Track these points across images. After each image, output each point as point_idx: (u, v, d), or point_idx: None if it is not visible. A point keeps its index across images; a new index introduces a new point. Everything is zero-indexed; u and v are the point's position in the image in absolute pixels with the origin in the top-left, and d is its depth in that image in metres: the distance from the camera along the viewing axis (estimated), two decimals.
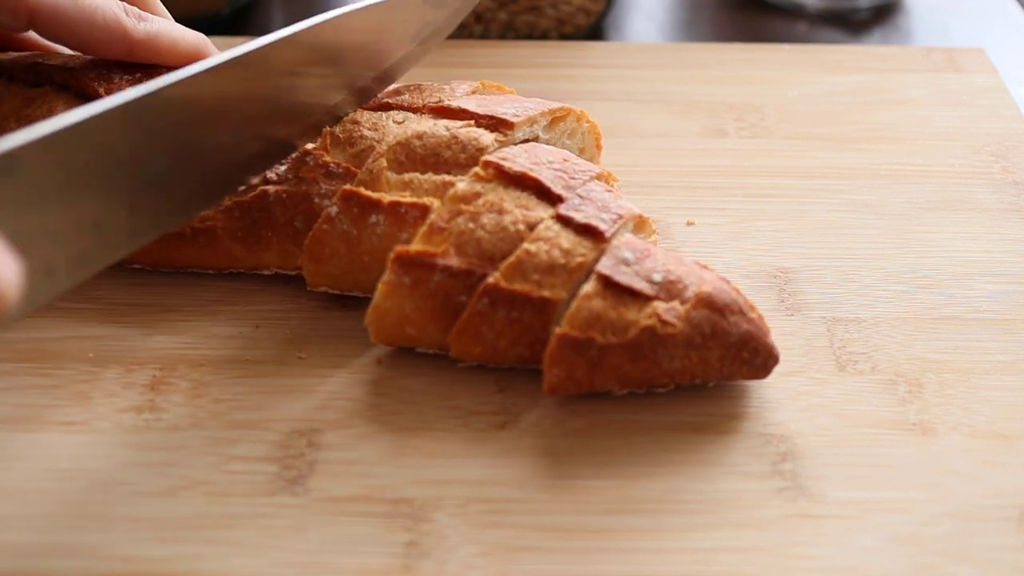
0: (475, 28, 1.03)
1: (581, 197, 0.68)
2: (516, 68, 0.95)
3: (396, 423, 0.65)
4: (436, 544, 0.59)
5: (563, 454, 0.64)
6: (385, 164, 0.71)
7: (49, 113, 0.75)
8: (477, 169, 0.69)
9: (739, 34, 1.07)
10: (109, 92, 0.74)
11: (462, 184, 0.69)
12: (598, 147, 0.80)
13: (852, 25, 1.09)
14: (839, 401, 0.67)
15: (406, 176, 0.71)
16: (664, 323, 0.64)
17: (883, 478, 0.63)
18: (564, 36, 1.04)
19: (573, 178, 0.70)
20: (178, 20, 0.83)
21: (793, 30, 1.08)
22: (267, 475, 0.62)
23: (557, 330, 0.64)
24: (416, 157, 0.71)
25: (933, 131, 0.90)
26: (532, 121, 0.75)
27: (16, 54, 0.79)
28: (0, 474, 0.62)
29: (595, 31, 1.05)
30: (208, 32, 0.81)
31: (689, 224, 0.80)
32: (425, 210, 0.69)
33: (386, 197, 0.69)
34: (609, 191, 0.70)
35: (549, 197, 0.68)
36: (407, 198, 0.70)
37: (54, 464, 0.62)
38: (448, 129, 0.72)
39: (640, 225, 0.71)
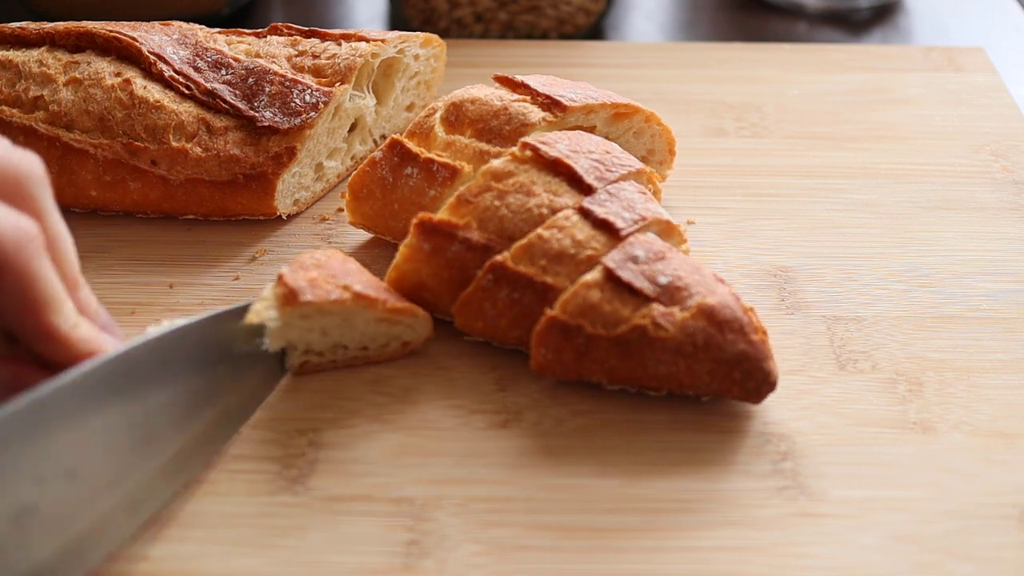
0: (475, 28, 1.03)
1: (609, 194, 0.68)
2: (516, 68, 0.95)
3: (397, 422, 0.65)
4: (437, 543, 0.59)
5: (563, 453, 0.64)
6: (438, 121, 0.74)
7: (96, 75, 0.78)
8: (514, 149, 0.70)
9: (739, 34, 1.07)
10: (152, 52, 0.78)
11: (497, 161, 0.69)
12: (671, 152, 0.80)
13: (852, 25, 1.09)
14: (839, 400, 0.67)
15: (451, 137, 0.74)
16: (657, 326, 0.63)
17: (883, 476, 0.63)
18: (564, 36, 1.04)
19: (609, 170, 0.69)
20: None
21: (793, 30, 1.08)
22: (268, 474, 0.62)
23: (548, 311, 0.64)
24: (465, 120, 0.74)
25: (933, 130, 0.90)
26: (589, 110, 0.75)
27: (54, 23, 0.82)
28: None
29: (595, 31, 1.05)
30: None
31: (689, 223, 0.80)
32: (455, 172, 0.71)
33: (424, 153, 0.72)
34: (643, 192, 0.69)
35: (581, 186, 0.68)
36: (442, 158, 0.72)
37: None
38: (502, 100, 0.74)
39: (668, 232, 0.70)
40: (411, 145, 0.73)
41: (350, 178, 0.75)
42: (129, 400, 0.58)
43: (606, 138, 0.79)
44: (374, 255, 0.77)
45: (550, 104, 0.74)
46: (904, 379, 0.68)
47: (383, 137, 0.86)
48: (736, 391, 0.64)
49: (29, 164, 0.57)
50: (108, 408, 0.57)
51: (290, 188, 0.79)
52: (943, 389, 0.68)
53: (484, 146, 0.72)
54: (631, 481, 0.62)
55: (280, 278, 0.65)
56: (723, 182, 0.84)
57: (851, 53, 1.00)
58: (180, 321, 0.62)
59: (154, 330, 0.61)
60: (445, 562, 0.58)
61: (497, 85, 0.77)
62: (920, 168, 0.86)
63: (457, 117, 0.74)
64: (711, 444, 0.64)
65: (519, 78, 0.76)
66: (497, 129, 0.73)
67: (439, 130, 0.74)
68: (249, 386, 0.65)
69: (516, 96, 0.75)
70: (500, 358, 0.69)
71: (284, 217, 0.80)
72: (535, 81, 0.76)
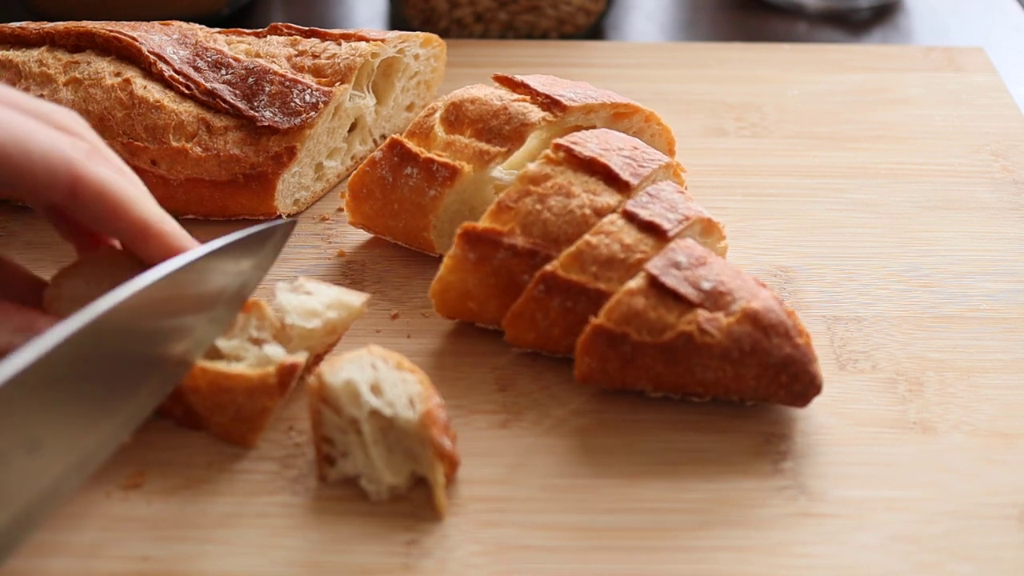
0: (475, 28, 1.03)
1: (650, 195, 0.68)
2: (516, 68, 0.95)
3: None
4: (437, 543, 0.59)
5: (564, 453, 0.64)
6: (438, 121, 0.74)
7: (96, 75, 0.78)
8: (548, 151, 0.70)
9: (739, 34, 1.07)
10: (152, 51, 0.78)
11: (532, 165, 0.69)
12: (671, 152, 0.80)
13: (852, 25, 1.09)
14: (839, 400, 0.67)
15: (451, 137, 0.74)
16: (703, 332, 0.63)
17: (883, 476, 0.63)
18: (564, 36, 1.04)
19: (642, 166, 0.70)
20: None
21: (793, 30, 1.08)
22: (267, 474, 0.62)
23: (593, 320, 0.64)
24: (465, 120, 0.74)
25: (933, 130, 0.90)
26: (589, 110, 0.76)
27: (54, 23, 0.82)
28: None
29: (595, 31, 1.05)
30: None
31: None
32: (455, 172, 0.71)
33: (424, 152, 0.73)
34: (680, 192, 0.70)
35: (618, 184, 0.68)
36: (442, 157, 0.72)
37: None
38: (501, 100, 0.75)
39: (709, 229, 0.70)
40: (411, 145, 0.73)
41: (350, 178, 0.75)
42: (96, 364, 0.56)
43: None
44: (374, 255, 0.77)
45: (550, 104, 0.74)
46: (904, 379, 0.68)
47: (383, 137, 0.86)
48: (783, 395, 0.64)
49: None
50: (76, 376, 0.55)
51: (290, 188, 0.79)
52: (943, 389, 0.68)
53: (484, 146, 0.73)
54: (631, 481, 0.62)
55: (443, 454, 0.60)
56: (723, 182, 0.84)
57: (851, 53, 1.00)
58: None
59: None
60: (445, 562, 0.58)
61: (497, 85, 0.77)
62: (920, 168, 0.86)
63: (457, 117, 0.74)
64: (711, 444, 0.64)
65: (519, 78, 0.76)
66: (497, 129, 0.73)
67: (439, 130, 0.74)
68: (206, 326, 0.62)
69: (516, 96, 0.75)
70: (500, 358, 0.69)
71: (284, 217, 0.80)
72: (535, 81, 0.76)
